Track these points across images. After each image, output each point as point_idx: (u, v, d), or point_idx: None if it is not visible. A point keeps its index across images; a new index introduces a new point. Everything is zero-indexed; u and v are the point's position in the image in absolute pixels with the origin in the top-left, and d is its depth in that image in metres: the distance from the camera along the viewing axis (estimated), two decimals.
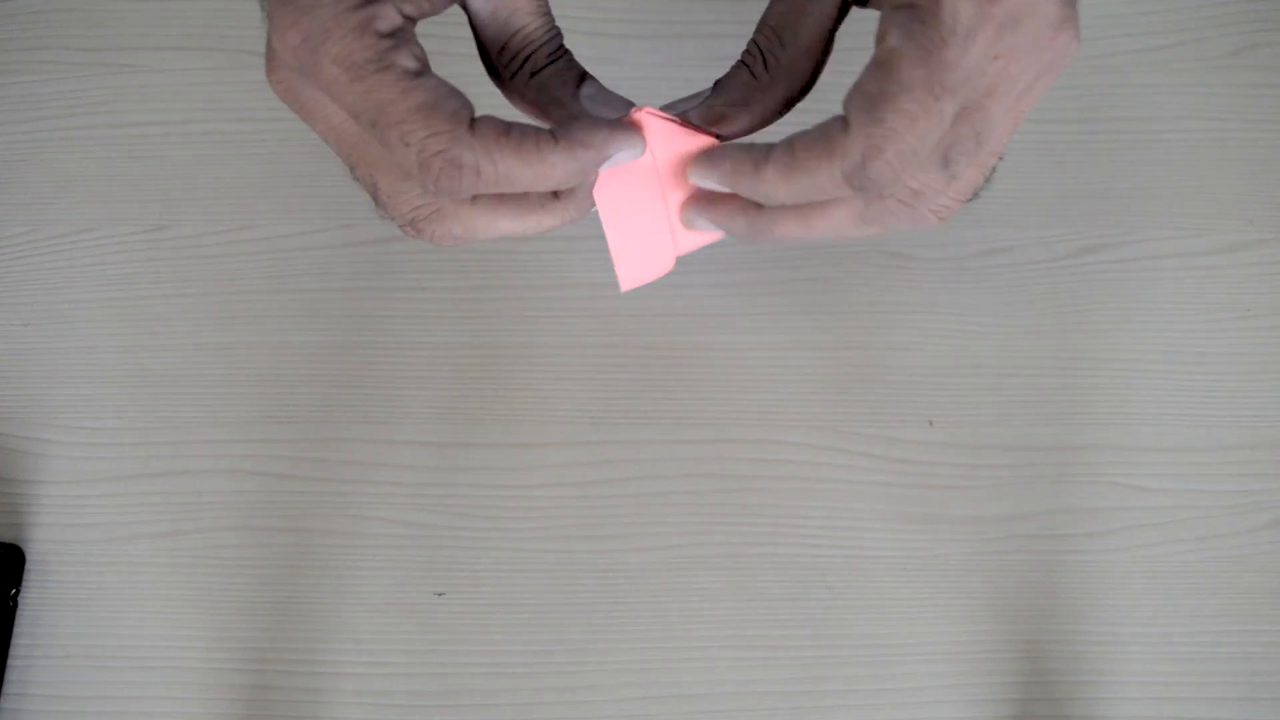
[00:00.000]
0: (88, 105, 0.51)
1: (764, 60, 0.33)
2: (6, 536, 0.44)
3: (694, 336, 0.47)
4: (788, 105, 0.34)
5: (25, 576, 0.44)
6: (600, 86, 0.34)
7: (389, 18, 0.30)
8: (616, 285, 0.38)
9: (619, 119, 0.33)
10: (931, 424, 0.46)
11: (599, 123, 0.32)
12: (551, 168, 0.31)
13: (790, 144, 0.32)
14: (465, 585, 0.44)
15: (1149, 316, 0.48)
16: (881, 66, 0.30)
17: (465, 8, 0.33)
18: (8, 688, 0.42)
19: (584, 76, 0.34)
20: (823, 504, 0.45)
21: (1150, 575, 0.44)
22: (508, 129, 0.31)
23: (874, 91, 0.30)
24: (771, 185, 0.32)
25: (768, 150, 0.32)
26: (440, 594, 0.44)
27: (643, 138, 0.33)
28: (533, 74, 0.33)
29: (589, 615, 0.44)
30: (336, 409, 0.46)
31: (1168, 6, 0.53)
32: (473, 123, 0.31)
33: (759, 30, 0.33)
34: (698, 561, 0.44)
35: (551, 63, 0.33)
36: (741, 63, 0.34)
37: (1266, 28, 0.52)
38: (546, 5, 0.33)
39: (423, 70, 0.31)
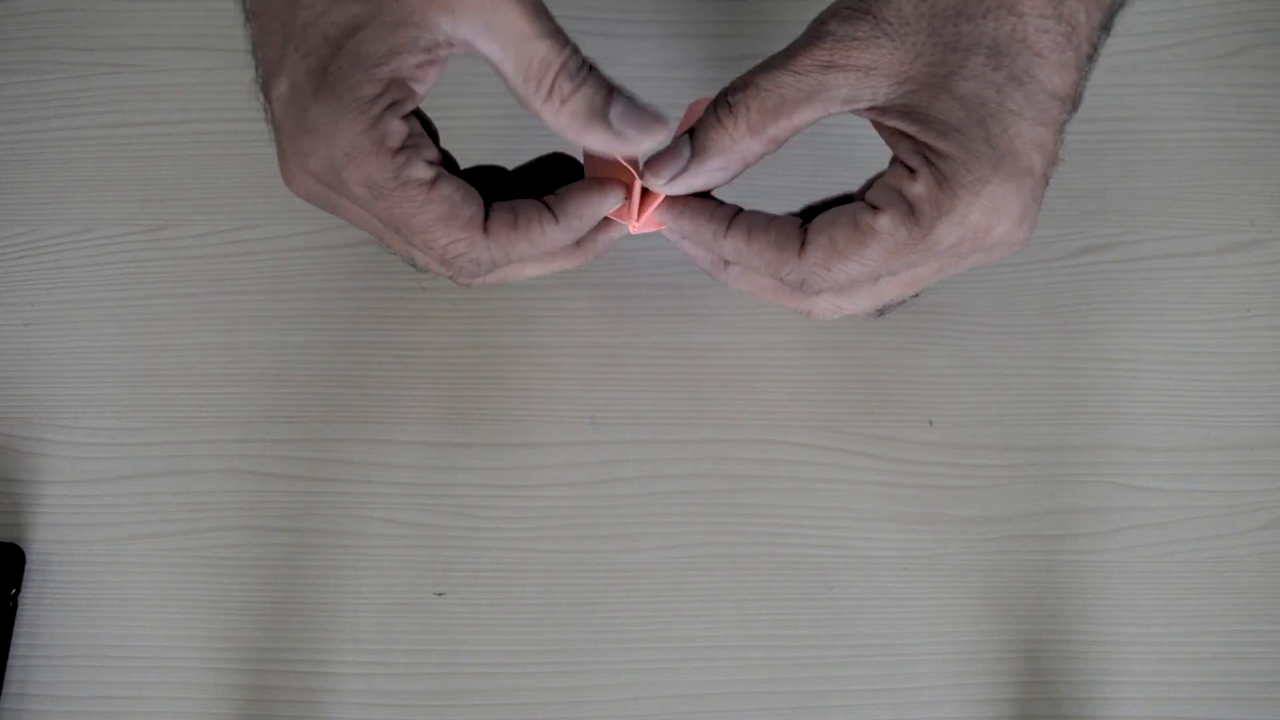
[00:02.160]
0: (88, 105, 0.51)
1: (748, 124, 0.35)
2: (6, 536, 0.44)
3: (694, 336, 0.47)
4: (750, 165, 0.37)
5: (25, 576, 0.44)
6: (629, 104, 0.35)
7: (398, 132, 0.33)
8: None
9: (603, 184, 0.37)
10: (931, 424, 0.46)
11: (590, 193, 0.37)
12: (553, 241, 0.37)
13: (748, 232, 0.37)
14: (465, 585, 0.44)
15: (1149, 316, 0.48)
16: (857, 233, 0.35)
17: (476, 52, 0.34)
18: (8, 688, 0.42)
19: (611, 92, 0.34)
20: (823, 504, 0.45)
21: (1150, 575, 0.44)
22: (514, 220, 0.36)
23: (839, 246, 0.35)
24: (724, 254, 0.38)
25: (727, 225, 0.37)
26: (440, 594, 0.44)
27: (624, 195, 0.37)
28: (562, 100, 0.34)
29: (588, 615, 0.44)
30: (336, 409, 0.46)
31: (1168, 6, 0.53)
32: (486, 222, 0.35)
33: (752, 91, 0.35)
34: (698, 561, 0.44)
35: (577, 89, 0.34)
36: (719, 121, 0.35)
37: (1266, 28, 0.52)
38: (554, 26, 0.34)
39: (437, 177, 0.34)
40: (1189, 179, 0.50)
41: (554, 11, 0.34)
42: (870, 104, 0.34)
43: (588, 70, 0.34)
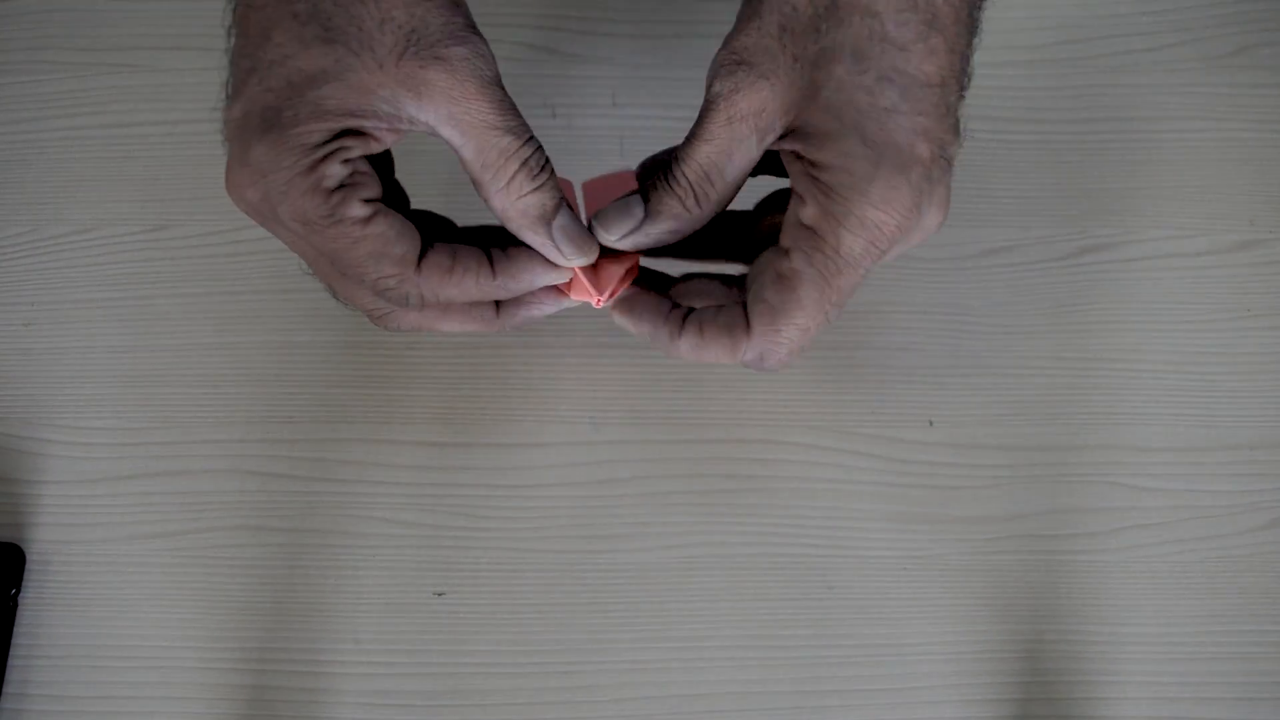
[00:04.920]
0: (88, 105, 0.51)
1: (695, 196, 0.36)
2: (6, 536, 0.44)
3: None
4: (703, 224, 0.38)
5: (25, 576, 0.44)
6: (570, 219, 0.37)
7: (335, 174, 0.34)
8: None
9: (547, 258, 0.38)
10: (931, 424, 0.46)
11: (534, 259, 0.37)
12: (483, 293, 0.37)
13: (700, 328, 0.38)
14: (465, 585, 0.44)
15: (1149, 316, 0.48)
16: (783, 282, 0.36)
17: (437, 136, 0.35)
18: (8, 688, 0.42)
19: (561, 202, 0.37)
20: (823, 504, 0.45)
21: (1150, 575, 0.44)
22: (451, 267, 0.37)
23: (775, 305, 0.36)
24: (680, 354, 0.39)
25: (681, 325, 0.38)
26: (440, 594, 0.44)
27: (568, 271, 0.38)
28: (519, 196, 0.36)
29: (589, 615, 0.44)
30: (336, 409, 0.46)
31: (1168, 6, 0.53)
32: (421, 260, 0.36)
33: (685, 165, 0.36)
34: (698, 561, 0.44)
35: (535, 190, 0.36)
36: (670, 190, 0.37)
37: (1266, 28, 0.52)
38: (518, 121, 0.35)
39: (373, 214, 0.35)
40: (1189, 179, 0.50)
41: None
42: (775, 137, 0.36)
43: (549, 174, 0.36)
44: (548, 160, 0.36)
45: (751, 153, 0.36)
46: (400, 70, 0.33)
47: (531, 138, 0.35)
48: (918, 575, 0.44)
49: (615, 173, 0.40)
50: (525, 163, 0.35)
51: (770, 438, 0.46)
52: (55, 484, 0.45)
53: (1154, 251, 0.49)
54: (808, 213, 0.35)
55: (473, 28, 0.35)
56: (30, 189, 0.50)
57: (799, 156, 0.35)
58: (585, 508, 0.45)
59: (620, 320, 0.40)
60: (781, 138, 0.36)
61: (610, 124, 0.51)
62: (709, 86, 0.36)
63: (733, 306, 0.38)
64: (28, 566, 0.44)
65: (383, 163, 0.37)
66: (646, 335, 0.39)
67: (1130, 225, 0.49)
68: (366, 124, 0.34)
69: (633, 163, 0.40)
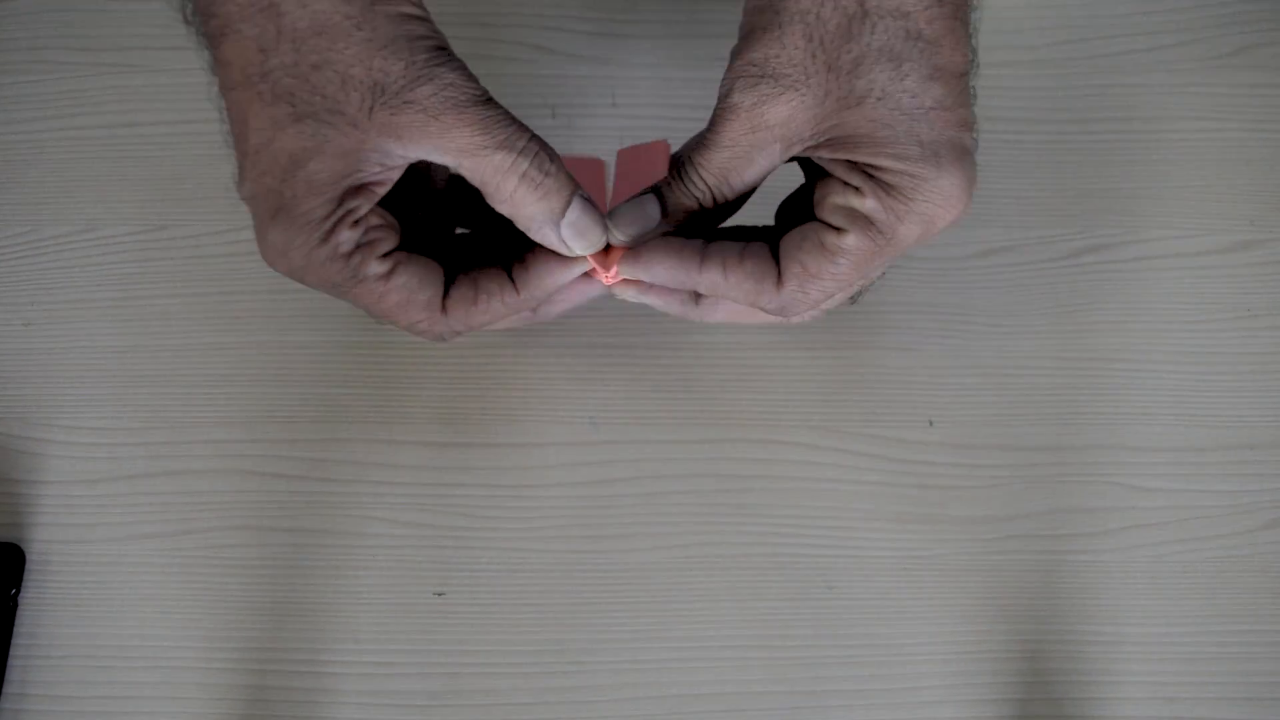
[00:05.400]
0: (88, 105, 0.51)
1: (714, 197, 0.37)
2: (6, 536, 0.44)
3: (694, 336, 0.47)
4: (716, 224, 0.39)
5: (25, 576, 0.44)
6: (580, 213, 0.36)
7: (348, 239, 0.35)
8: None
9: (566, 259, 0.38)
10: (931, 424, 0.46)
11: (553, 264, 0.38)
12: (513, 309, 0.38)
13: (722, 266, 0.37)
14: (465, 585, 0.44)
15: (1149, 316, 0.48)
16: (825, 254, 0.36)
17: (433, 162, 0.35)
18: (8, 688, 0.42)
19: (569, 201, 0.36)
20: (823, 504, 0.45)
21: (1150, 575, 0.44)
22: (475, 296, 0.38)
23: (812, 270, 0.36)
24: (700, 288, 0.38)
25: (700, 260, 0.37)
26: (440, 594, 0.44)
27: (585, 262, 0.38)
28: (525, 208, 0.36)
29: (589, 615, 0.44)
30: (336, 409, 0.46)
31: (1168, 6, 0.53)
32: (446, 299, 0.38)
33: (704, 169, 0.36)
34: (698, 561, 0.44)
35: (540, 200, 0.35)
36: (688, 191, 0.37)
37: (1266, 28, 0.52)
38: (506, 132, 0.34)
39: (393, 268, 0.36)
40: (1189, 179, 0.50)
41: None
42: (804, 145, 0.35)
43: (552, 176, 0.35)
44: (552, 158, 0.35)
45: (774, 159, 0.36)
46: (375, 122, 0.33)
47: (526, 144, 0.35)
48: (918, 575, 0.44)
49: (649, 143, 0.39)
50: (524, 176, 0.35)
51: (770, 438, 0.46)
52: (55, 484, 0.45)
53: (1154, 251, 0.49)
54: (867, 204, 0.35)
55: (438, 54, 0.34)
56: (30, 189, 0.50)
57: (849, 161, 0.35)
58: (585, 508, 0.45)
59: (630, 272, 0.38)
60: (819, 145, 0.35)
61: (610, 124, 0.51)
62: (724, 96, 0.35)
63: (757, 248, 0.37)
64: (28, 566, 0.44)
65: (404, 183, 0.37)
66: (663, 276, 0.38)
67: (1130, 225, 0.49)
68: (363, 178, 0.34)
69: None
